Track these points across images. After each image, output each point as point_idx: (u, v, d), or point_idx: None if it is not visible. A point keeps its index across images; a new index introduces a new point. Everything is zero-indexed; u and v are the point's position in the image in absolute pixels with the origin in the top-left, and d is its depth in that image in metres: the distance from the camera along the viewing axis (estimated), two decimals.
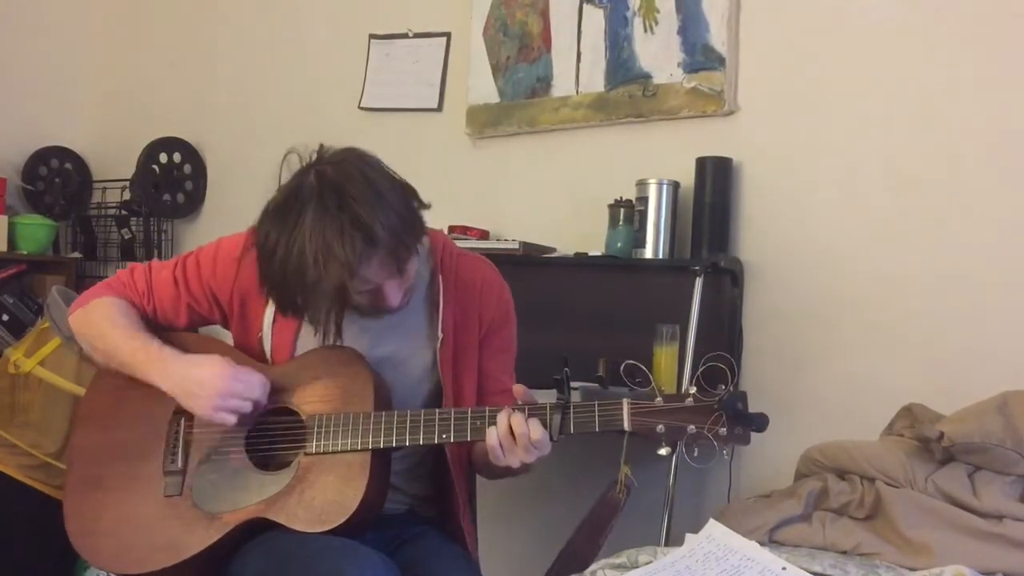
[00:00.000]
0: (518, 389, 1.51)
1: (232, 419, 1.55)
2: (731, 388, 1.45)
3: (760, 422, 1.44)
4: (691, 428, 1.44)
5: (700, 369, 1.49)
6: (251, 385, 1.57)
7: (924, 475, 1.69)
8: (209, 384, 1.55)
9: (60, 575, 2.65)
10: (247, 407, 1.56)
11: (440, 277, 1.70)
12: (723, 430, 1.44)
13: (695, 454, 1.46)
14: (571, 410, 1.47)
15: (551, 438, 1.47)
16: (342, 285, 1.44)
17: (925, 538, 1.58)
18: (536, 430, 1.45)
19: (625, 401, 1.46)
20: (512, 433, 1.46)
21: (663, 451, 1.48)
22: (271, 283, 1.51)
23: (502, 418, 1.47)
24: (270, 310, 1.66)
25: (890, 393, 2.03)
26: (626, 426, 1.46)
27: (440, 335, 1.67)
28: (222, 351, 1.66)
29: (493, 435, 1.47)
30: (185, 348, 1.67)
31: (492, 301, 1.74)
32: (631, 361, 1.55)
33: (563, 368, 1.49)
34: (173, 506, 1.57)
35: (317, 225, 1.43)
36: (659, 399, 1.46)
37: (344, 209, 1.43)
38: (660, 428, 1.45)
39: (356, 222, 1.43)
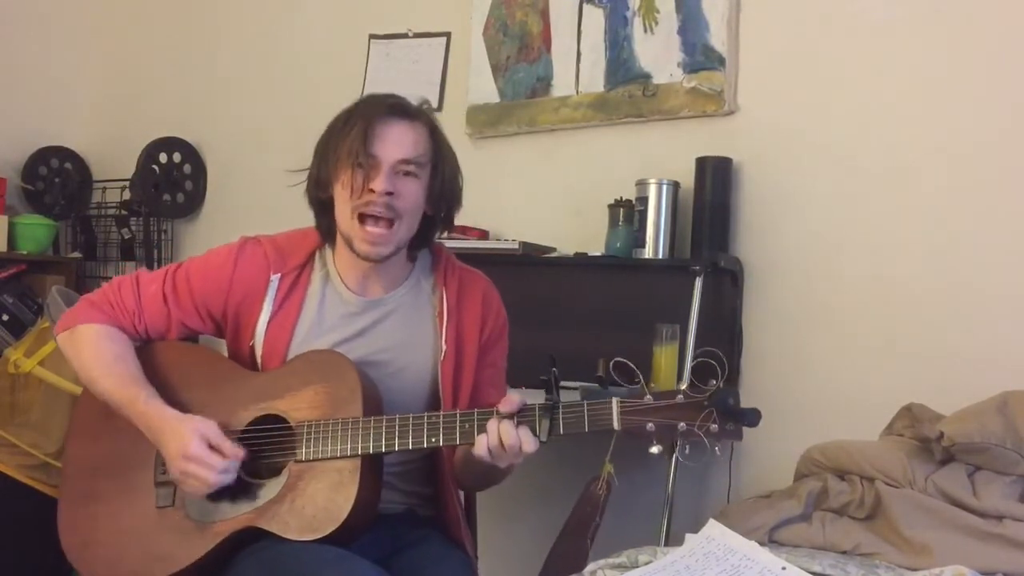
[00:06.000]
0: (508, 398, 1.49)
1: (198, 487, 1.52)
2: (721, 384, 1.44)
3: (752, 417, 1.42)
4: (682, 425, 1.43)
5: (691, 364, 1.49)
6: (210, 467, 1.51)
7: (924, 475, 1.69)
8: (173, 460, 1.53)
9: (59, 575, 2.65)
10: (211, 481, 1.51)
11: (444, 290, 1.71)
12: (714, 426, 1.42)
13: (687, 452, 1.45)
14: (560, 411, 1.46)
15: (540, 440, 1.46)
16: (366, 128, 1.57)
17: (925, 538, 1.58)
18: (528, 442, 1.45)
19: (614, 400, 1.45)
20: (501, 442, 1.45)
21: (655, 449, 1.47)
22: (313, 160, 1.66)
23: (491, 427, 1.46)
24: (263, 318, 1.66)
25: (890, 393, 2.03)
26: (616, 425, 1.45)
27: (444, 347, 1.67)
28: (213, 370, 1.66)
29: (483, 444, 1.47)
30: (179, 365, 1.66)
31: (491, 316, 1.74)
32: (620, 359, 1.54)
33: (550, 368, 1.48)
34: (166, 517, 1.56)
35: (364, 96, 1.69)
36: (648, 397, 1.45)
37: (392, 94, 1.67)
38: (650, 426, 1.44)
39: (401, 96, 1.65)
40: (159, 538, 1.55)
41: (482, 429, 1.48)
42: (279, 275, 1.68)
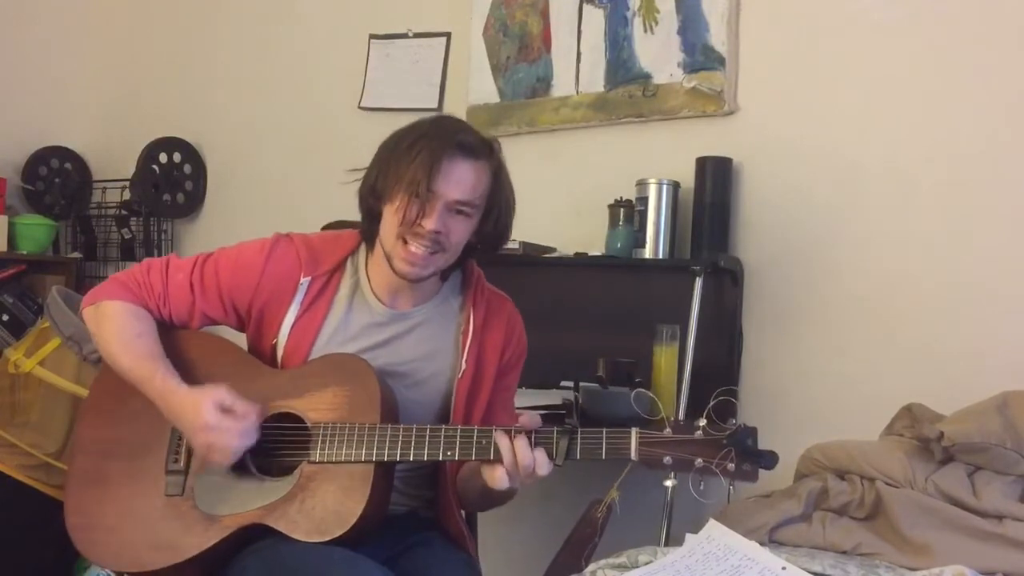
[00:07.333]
0: (524, 418, 1.49)
1: (223, 457, 1.53)
2: (743, 424, 1.42)
3: (769, 460, 1.41)
4: (699, 462, 1.42)
5: (711, 403, 1.47)
6: (228, 432, 1.52)
7: (924, 475, 1.69)
8: (193, 434, 1.54)
9: (59, 574, 2.65)
10: (233, 446, 1.52)
11: (472, 310, 1.71)
12: (731, 465, 1.41)
13: (701, 487, 1.44)
14: (579, 436, 1.46)
15: (556, 463, 1.46)
16: (431, 163, 1.54)
17: (925, 538, 1.58)
18: (542, 464, 1.44)
19: (634, 431, 1.44)
20: (516, 461, 1.45)
21: (669, 482, 1.46)
22: (373, 164, 1.65)
23: (505, 445, 1.46)
24: (288, 319, 1.66)
25: (890, 393, 2.03)
26: (633, 456, 1.43)
27: (464, 365, 1.67)
28: (233, 363, 1.65)
29: (498, 466, 1.46)
30: (201, 356, 1.66)
31: (513, 341, 1.75)
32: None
33: (574, 393, 1.47)
34: (174, 506, 1.56)
35: (437, 119, 1.68)
36: (668, 430, 1.44)
37: (465, 125, 1.67)
38: (667, 460, 1.42)
39: (472, 130, 1.64)
40: (165, 526, 1.55)
41: (499, 455, 1.47)
42: (309, 278, 1.67)
